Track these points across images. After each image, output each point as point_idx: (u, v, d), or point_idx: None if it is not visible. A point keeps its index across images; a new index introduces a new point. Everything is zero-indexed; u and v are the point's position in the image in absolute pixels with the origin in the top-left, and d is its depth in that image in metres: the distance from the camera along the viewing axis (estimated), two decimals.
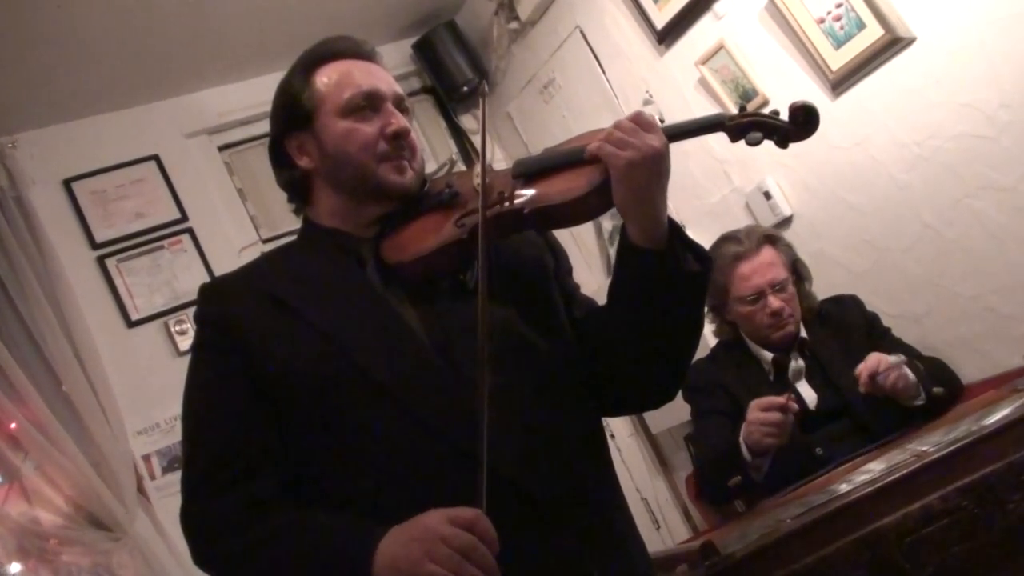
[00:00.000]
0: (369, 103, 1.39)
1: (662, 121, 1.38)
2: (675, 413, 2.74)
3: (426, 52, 3.96)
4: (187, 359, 1.40)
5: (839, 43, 2.64)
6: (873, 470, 1.66)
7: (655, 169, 1.26)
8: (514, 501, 1.22)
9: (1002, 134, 2.38)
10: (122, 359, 3.30)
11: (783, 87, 2.85)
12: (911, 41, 2.52)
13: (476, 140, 4.12)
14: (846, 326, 2.55)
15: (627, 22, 3.31)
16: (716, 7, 2.99)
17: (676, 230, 1.32)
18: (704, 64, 3.05)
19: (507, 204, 1.33)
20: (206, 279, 3.44)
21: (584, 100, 3.60)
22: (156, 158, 3.62)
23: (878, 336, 2.54)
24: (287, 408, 1.29)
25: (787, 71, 2.83)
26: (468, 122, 4.17)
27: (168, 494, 3.16)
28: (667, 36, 3.16)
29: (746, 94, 2.96)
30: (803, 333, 2.53)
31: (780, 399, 2.11)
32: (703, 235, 3.07)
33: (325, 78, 1.40)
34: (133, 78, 3.46)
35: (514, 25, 3.78)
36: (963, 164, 2.49)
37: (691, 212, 3.30)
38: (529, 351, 1.34)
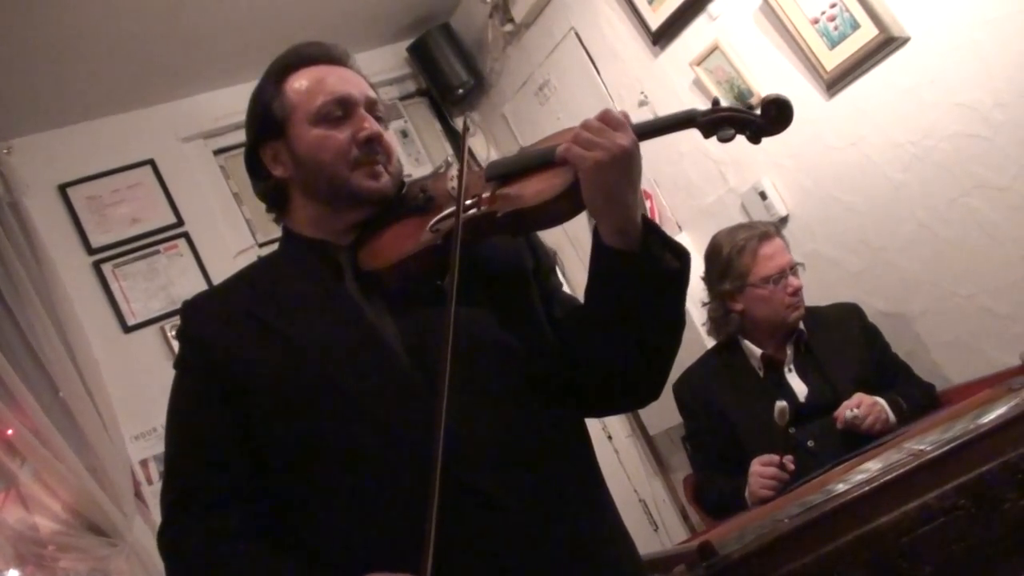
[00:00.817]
0: (341, 109, 1.37)
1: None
2: (672, 414, 2.74)
3: (421, 55, 3.97)
4: None
5: (833, 43, 2.65)
6: (870, 469, 1.66)
7: (624, 168, 1.22)
8: (483, 511, 1.22)
9: (997, 133, 2.39)
10: (119, 364, 3.30)
11: (778, 87, 2.83)
12: (905, 41, 2.53)
13: (470, 142, 4.12)
14: (844, 326, 2.59)
15: (621, 23, 3.31)
16: (710, 8, 2.99)
17: (651, 228, 1.29)
18: (699, 65, 3.05)
19: (482, 208, 1.31)
20: (203, 284, 3.46)
21: (579, 102, 3.60)
22: (151, 163, 3.62)
23: (878, 351, 2.57)
24: (263, 423, 1.28)
25: (782, 71, 2.83)
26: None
27: None
28: (662, 37, 3.17)
29: (741, 95, 2.96)
30: (800, 327, 2.56)
31: (777, 457, 2.21)
32: (699, 236, 3.08)
33: (296, 85, 1.39)
34: (128, 83, 3.46)
35: (509, 27, 3.79)
36: (958, 163, 2.49)
37: (687, 212, 3.30)
38: (504, 355, 1.32)
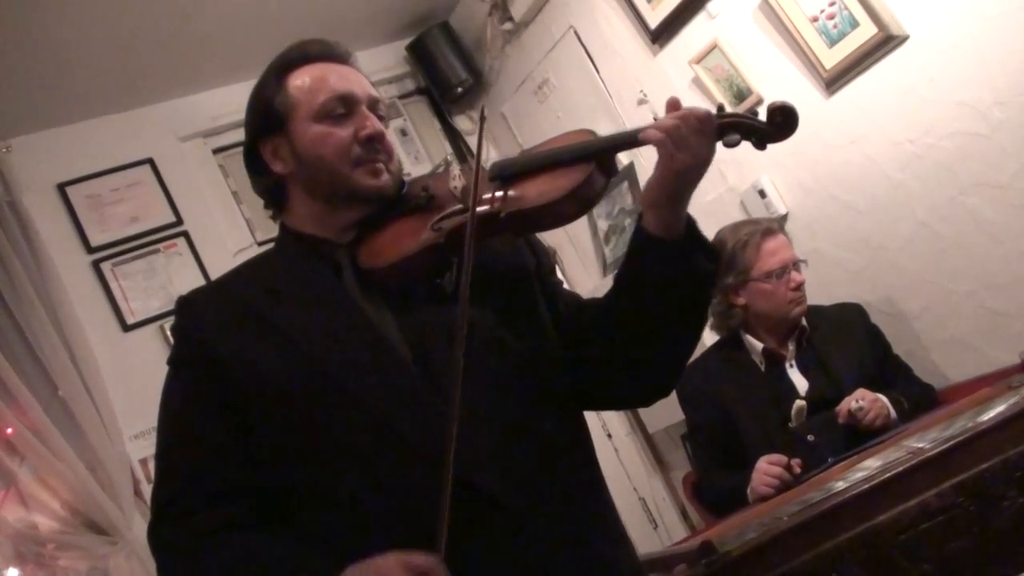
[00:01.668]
0: (343, 107, 1.37)
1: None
2: (672, 412, 2.75)
3: (420, 53, 3.97)
4: None
5: (832, 41, 2.65)
6: (869, 467, 1.66)
7: (699, 175, 1.27)
8: (488, 510, 1.22)
9: (996, 131, 2.39)
10: (118, 363, 3.30)
11: (777, 86, 2.85)
12: (904, 39, 2.53)
13: (469, 140, 4.13)
14: (847, 324, 2.60)
15: (621, 22, 3.31)
16: (709, 6, 2.99)
17: (692, 226, 1.31)
18: (698, 63, 3.05)
19: (486, 207, 1.31)
20: (202, 282, 3.46)
21: (578, 100, 3.60)
22: (151, 161, 3.62)
23: (880, 350, 2.58)
24: (261, 421, 1.28)
25: (781, 70, 2.83)
26: (462, 123, 4.18)
27: None
28: (661, 35, 3.17)
29: (740, 93, 2.96)
30: (803, 322, 2.57)
31: (785, 458, 2.21)
32: None
33: (298, 82, 1.38)
34: (127, 82, 3.45)
35: (508, 26, 3.79)
36: (957, 162, 2.49)
37: None
38: (508, 355, 1.32)
